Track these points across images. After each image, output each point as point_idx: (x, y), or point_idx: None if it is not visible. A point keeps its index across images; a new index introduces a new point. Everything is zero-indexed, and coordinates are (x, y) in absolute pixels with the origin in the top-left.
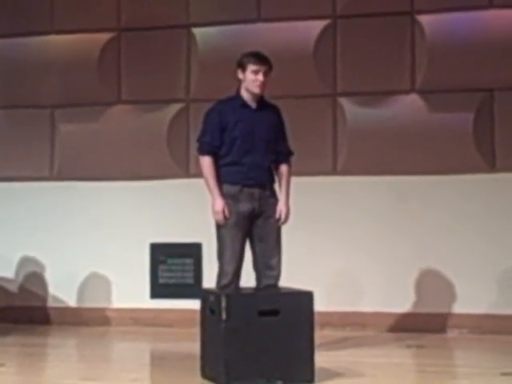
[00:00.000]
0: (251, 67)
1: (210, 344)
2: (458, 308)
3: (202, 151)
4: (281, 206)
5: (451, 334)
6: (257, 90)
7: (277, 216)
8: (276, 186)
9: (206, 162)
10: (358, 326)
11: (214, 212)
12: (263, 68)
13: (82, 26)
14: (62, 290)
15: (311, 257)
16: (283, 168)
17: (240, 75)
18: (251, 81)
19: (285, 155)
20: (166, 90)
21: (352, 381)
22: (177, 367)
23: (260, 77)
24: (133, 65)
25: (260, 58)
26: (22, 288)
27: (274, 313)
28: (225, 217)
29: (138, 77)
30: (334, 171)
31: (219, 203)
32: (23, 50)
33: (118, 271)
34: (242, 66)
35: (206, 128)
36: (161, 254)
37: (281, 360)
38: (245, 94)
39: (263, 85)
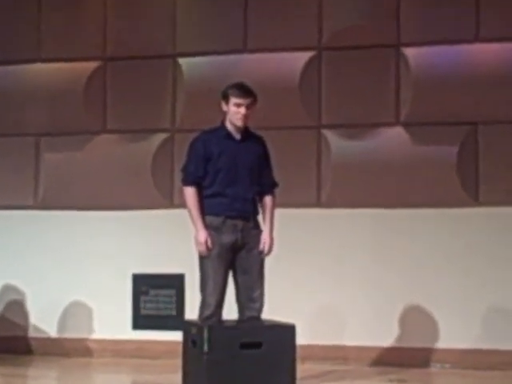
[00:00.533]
0: (234, 100)
1: (192, 376)
2: (441, 343)
3: (186, 182)
4: (265, 237)
5: (434, 368)
6: (239, 123)
7: (260, 247)
8: (260, 218)
9: (190, 192)
10: (340, 360)
11: (197, 243)
12: (246, 101)
13: (68, 54)
14: (44, 320)
15: (294, 289)
16: (267, 199)
17: (224, 107)
18: (233, 113)
19: (269, 186)
20: (152, 119)
21: None
22: None
23: (242, 110)
24: (118, 94)
25: (243, 91)
26: (2, 317)
27: (256, 345)
28: (207, 248)
29: (123, 106)
30: (318, 203)
31: (202, 234)
32: (9, 78)
33: (100, 301)
34: (225, 98)
35: (190, 158)
36: (143, 284)
37: None
38: (229, 126)
39: (245, 118)
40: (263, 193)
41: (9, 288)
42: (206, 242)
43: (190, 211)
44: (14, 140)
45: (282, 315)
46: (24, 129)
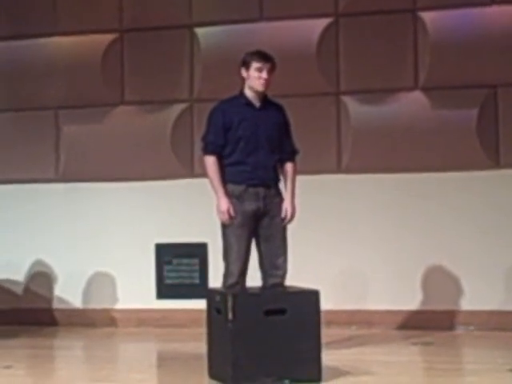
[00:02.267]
0: (255, 65)
1: (216, 344)
2: (465, 305)
3: (206, 151)
4: (286, 205)
5: (458, 330)
6: (260, 88)
7: (282, 215)
8: (281, 185)
9: (210, 161)
10: (364, 324)
11: (219, 212)
12: (267, 65)
13: (84, 27)
14: (68, 292)
15: (317, 255)
16: (288, 166)
17: (244, 73)
18: (255, 78)
19: (290, 154)
20: (170, 90)
21: (359, 379)
22: (184, 368)
23: (264, 74)
24: (136, 66)
25: (264, 56)
26: (27, 290)
27: (280, 312)
28: (230, 216)
29: (141, 78)
30: (338, 169)
31: (224, 203)
32: (27, 52)
33: (124, 272)
34: (245, 64)
35: (209, 127)
36: (166, 254)
37: (287, 359)
38: (248, 93)
39: (267, 82)
40: (284, 160)
41: (32, 260)
42: (228, 211)
43: (211, 180)
44: (33, 114)
45: (306, 281)
46: (42, 102)
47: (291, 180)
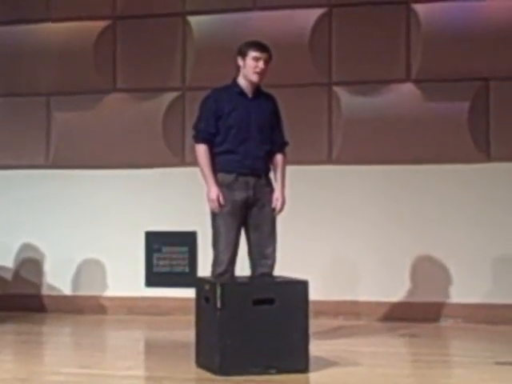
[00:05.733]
0: (252, 54)
1: (204, 332)
2: (452, 297)
3: (197, 139)
4: (277, 195)
5: (445, 323)
6: (255, 78)
7: (273, 205)
8: (271, 175)
9: (201, 149)
10: (352, 315)
11: (209, 200)
12: (264, 56)
13: (77, 13)
14: (57, 278)
15: (306, 245)
16: (278, 158)
17: (240, 62)
18: (251, 67)
19: (280, 145)
20: (162, 78)
21: (346, 370)
22: (171, 356)
23: (260, 64)
24: (128, 53)
25: (261, 46)
26: (16, 276)
27: (268, 301)
28: (219, 205)
29: (133, 65)
30: (329, 160)
31: (214, 191)
32: (19, 38)
33: (113, 259)
34: (242, 53)
35: (201, 115)
36: (156, 242)
37: (275, 349)
38: (242, 82)
39: (262, 73)
40: (274, 151)
41: (22, 247)
42: (218, 199)
43: (201, 169)
44: (24, 99)
45: (294, 271)
46: (34, 88)
47: (281, 171)
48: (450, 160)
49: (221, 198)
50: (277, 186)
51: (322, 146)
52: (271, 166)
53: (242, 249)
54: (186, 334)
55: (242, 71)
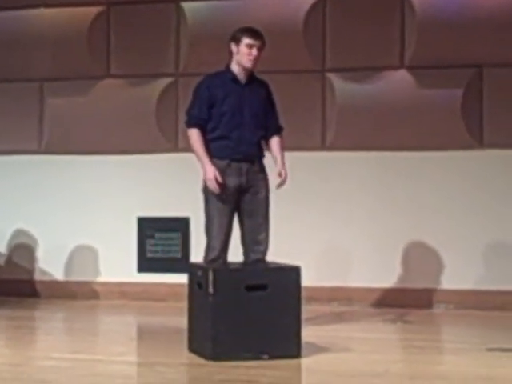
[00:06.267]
0: (246, 40)
1: (197, 318)
2: (444, 283)
3: (190, 124)
4: (280, 169)
5: (437, 309)
6: (248, 65)
7: (278, 177)
8: (265, 161)
9: (194, 133)
10: (344, 301)
11: (207, 180)
12: (257, 43)
13: None
14: (50, 264)
15: (299, 232)
16: (274, 140)
17: (233, 48)
18: (244, 54)
19: (275, 130)
20: (155, 64)
21: (338, 355)
22: (164, 341)
23: (254, 51)
24: (122, 39)
25: (255, 33)
26: (9, 261)
27: (261, 287)
28: (218, 183)
29: (127, 51)
30: (322, 146)
31: (210, 170)
32: (12, 24)
33: (106, 245)
34: (236, 40)
35: (194, 101)
36: (149, 228)
37: (267, 334)
38: (235, 69)
39: (255, 59)
40: (269, 136)
41: (15, 232)
42: (216, 177)
43: (195, 152)
44: (18, 85)
45: (287, 257)
46: (28, 74)
47: (279, 150)
48: (443, 147)
49: (218, 176)
50: (278, 161)
51: (315, 133)
52: (266, 151)
53: (235, 235)
54: (179, 319)
55: (235, 57)
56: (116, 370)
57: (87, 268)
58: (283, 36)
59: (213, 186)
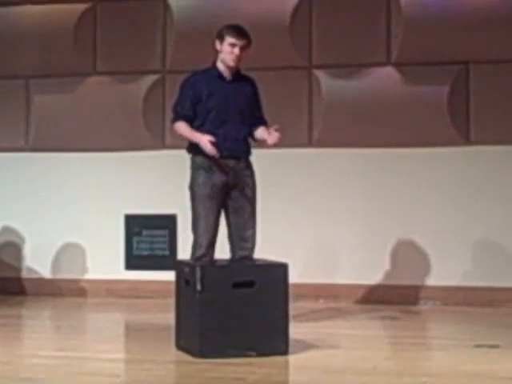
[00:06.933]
0: (229, 39)
1: (184, 315)
2: (431, 280)
3: (175, 120)
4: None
5: (424, 305)
6: (231, 63)
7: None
8: (252, 158)
9: (181, 124)
10: (331, 298)
11: (204, 147)
12: (240, 42)
13: None
14: (37, 261)
15: (286, 228)
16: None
17: (218, 46)
18: (227, 53)
19: (260, 124)
20: (142, 61)
21: (326, 352)
22: (151, 338)
23: (236, 50)
24: (109, 35)
25: (239, 32)
26: None
27: (248, 284)
28: (214, 144)
29: (113, 48)
30: (309, 143)
31: (203, 138)
32: None
33: (93, 242)
34: (220, 37)
35: (179, 98)
36: (136, 225)
37: (255, 331)
38: (221, 66)
39: (238, 59)
40: (254, 129)
41: (2, 230)
42: (209, 140)
43: (184, 134)
44: (3, 82)
45: (274, 254)
46: (14, 71)
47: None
48: (429, 143)
49: (210, 138)
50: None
51: (302, 129)
52: (253, 144)
53: (222, 232)
54: (166, 316)
55: (220, 55)
56: (103, 367)
57: (74, 265)
58: (270, 32)
59: (210, 150)
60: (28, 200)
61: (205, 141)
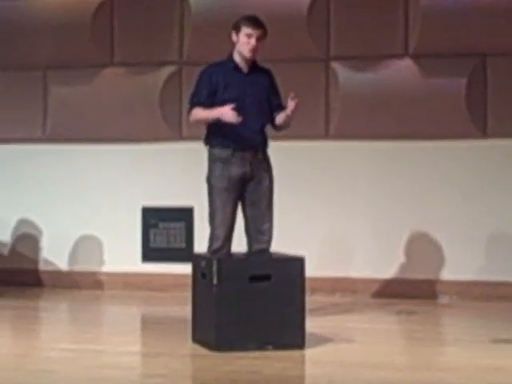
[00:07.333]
0: (245, 30)
1: (201, 308)
2: (448, 274)
3: (191, 109)
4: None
5: (441, 300)
6: (247, 54)
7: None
8: (269, 151)
9: (196, 109)
10: (348, 292)
11: (225, 117)
12: (257, 33)
13: None
14: (54, 253)
15: (302, 222)
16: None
17: (234, 37)
18: (243, 44)
19: (280, 110)
20: (159, 52)
21: (342, 346)
22: (168, 331)
23: (252, 41)
24: (126, 27)
25: (255, 23)
26: (13, 251)
27: (265, 278)
28: (234, 110)
29: (130, 39)
30: (326, 136)
31: (222, 109)
32: (16, 12)
33: (110, 235)
34: (236, 28)
35: (196, 90)
36: (152, 217)
37: (271, 325)
38: (237, 58)
39: (255, 50)
40: (275, 115)
41: (19, 222)
42: (228, 109)
43: (202, 116)
44: (21, 74)
45: (291, 247)
46: (31, 62)
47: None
48: (446, 136)
49: (229, 106)
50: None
51: (319, 122)
52: (277, 124)
53: (239, 225)
54: (183, 309)
55: (236, 46)
56: (120, 360)
57: (91, 258)
58: (287, 24)
59: (231, 116)
60: (45, 191)
61: (225, 110)
